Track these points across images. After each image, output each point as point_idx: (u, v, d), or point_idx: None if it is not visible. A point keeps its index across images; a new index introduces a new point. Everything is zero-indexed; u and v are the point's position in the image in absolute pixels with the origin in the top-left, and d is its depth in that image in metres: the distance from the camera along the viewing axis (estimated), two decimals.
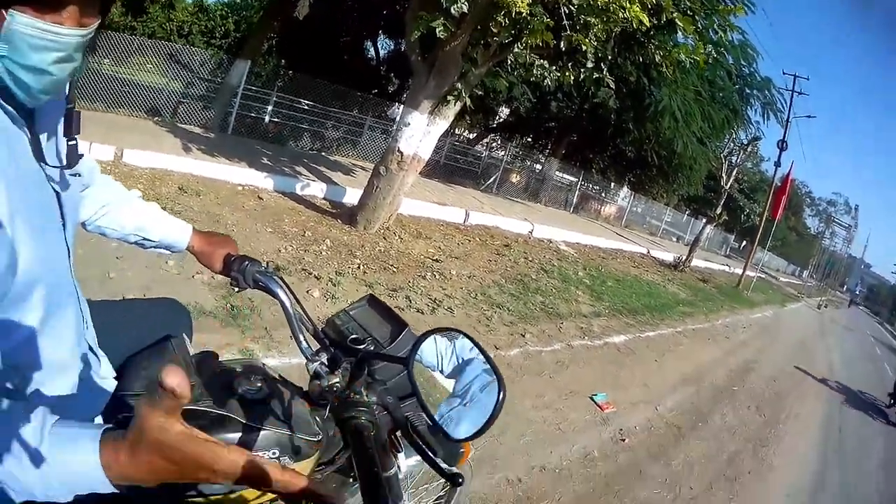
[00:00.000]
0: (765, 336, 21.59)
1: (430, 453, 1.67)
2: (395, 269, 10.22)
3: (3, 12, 1.25)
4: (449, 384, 1.88)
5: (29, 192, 1.40)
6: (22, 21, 1.26)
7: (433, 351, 1.93)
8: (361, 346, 1.92)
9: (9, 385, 1.41)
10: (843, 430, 12.65)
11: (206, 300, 6.61)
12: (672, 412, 8.80)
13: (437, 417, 1.65)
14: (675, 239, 48.31)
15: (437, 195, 18.40)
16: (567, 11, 9.62)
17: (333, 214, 12.51)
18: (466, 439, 1.62)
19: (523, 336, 9.30)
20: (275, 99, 20.69)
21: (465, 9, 9.55)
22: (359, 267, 9.69)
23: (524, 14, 9.19)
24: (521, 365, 8.18)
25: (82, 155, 1.68)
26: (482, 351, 1.81)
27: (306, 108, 21.44)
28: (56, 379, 1.55)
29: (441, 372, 1.95)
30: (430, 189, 19.02)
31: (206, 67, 20.55)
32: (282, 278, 2.19)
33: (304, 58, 24.55)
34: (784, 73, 45.81)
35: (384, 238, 11.98)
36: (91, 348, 1.80)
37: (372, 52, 29.40)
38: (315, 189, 13.98)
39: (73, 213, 1.68)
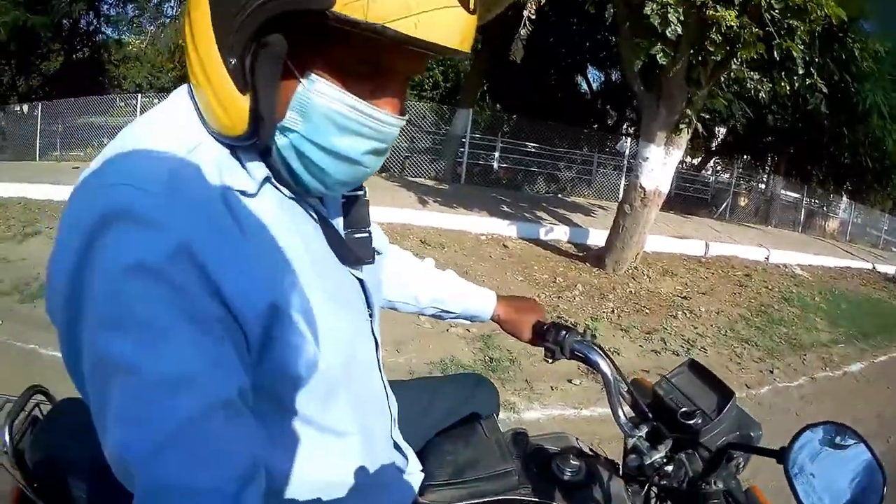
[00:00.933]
0: None
1: None
2: (647, 311, 10.23)
3: (297, 76, 1.08)
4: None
5: (332, 284, 1.28)
6: (334, 95, 1.09)
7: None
8: (692, 422, 1.71)
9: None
10: None
11: (464, 354, 6.79)
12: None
13: None
14: (894, 248, 46.17)
15: (674, 228, 18.36)
16: (771, 17, 9.61)
17: (580, 258, 12.58)
18: None
19: (772, 372, 9.20)
20: (500, 144, 20.95)
21: (680, 30, 9.63)
22: (612, 310, 9.75)
23: (734, 27, 9.26)
24: (771, 402, 8.14)
25: (377, 253, 1.49)
26: (870, 448, 1.59)
27: (533, 150, 21.56)
28: (368, 494, 1.44)
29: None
30: (667, 222, 18.88)
31: (428, 120, 21.00)
32: (600, 346, 1.96)
33: (519, 100, 24.77)
34: None
35: (633, 278, 11.99)
36: (397, 446, 1.68)
37: (584, 85, 29.24)
38: (558, 233, 14.04)
39: (378, 297, 1.56)
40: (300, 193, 1.23)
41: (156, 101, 22.38)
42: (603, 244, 12.56)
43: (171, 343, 0.95)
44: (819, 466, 1.57)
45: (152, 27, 26.33)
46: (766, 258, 18.91)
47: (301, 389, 1.20)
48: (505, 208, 14.73)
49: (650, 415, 1.80)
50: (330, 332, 1.21)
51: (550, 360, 2.02)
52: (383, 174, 16.89)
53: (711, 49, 10.06)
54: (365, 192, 1.45)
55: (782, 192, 31.81)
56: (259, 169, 1.14)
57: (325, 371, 1.21)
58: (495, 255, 11.41)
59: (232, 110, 1.05)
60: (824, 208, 35.77)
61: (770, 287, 14.67)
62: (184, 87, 1.19)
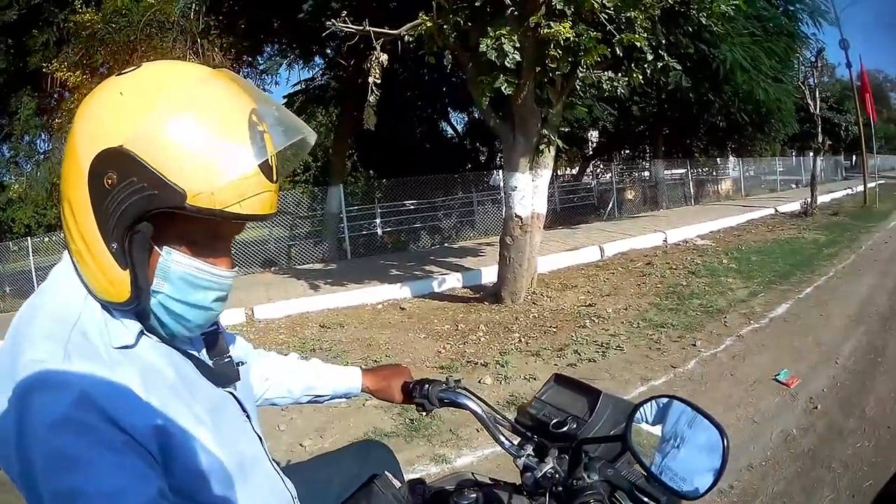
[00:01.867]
0: None
1: None
2: (554, 330, 10.26)
3: (157, 249, 1.41)
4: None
5: (208, 402, 1.58)
6: (185, 262, 1.44)
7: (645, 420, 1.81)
8: (564, 429, 1.98)
9: None
10: None
11: (384, 422, 6.77)
12: (851, 359, 8.64)
13: (667, 482, 1.64)
14: (794, 185, 46.75)
15: (566, 241, 18.53)
16: (606, 17, 9.77)
17: (478, 299, 12.66)
18: (701, 494, 1.59)
19: (694, 345, 9.31)
20: (379, 210, 21.18)
21: (519, 57, 9.74)
22: (520, 340, 9.77)
23: (572, 38, 9.42)
24: (702, 373, 8.22)
25: (240, 364, 1.84)
26: (697, 409, 1.74)
27: (412, 207, 21.77)
28: None
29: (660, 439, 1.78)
30: (557, 238, 19.14)
31: (303, 205, 21.26)
32: (465, 388, 2.29)
33: (388, 161, 25.11)
34: None
35: (534, 303, 12.03)
36: None
37: (450, 130, 29.72)
38: (451, 281, 14.14)
39: (251, 401, 1.88)
40: (169, 338, 1.54)
41: (45, 239, 22.64)
42: (496, 280, 12.69)
43: (100, 468, 1.23)
44: (661, 438, 1.74)
45: (28, 166, 27.81)
46: (665, 241, 19.30)
47: (206, 486, 1.47)
48: (395, 272, 14.87)
49: (530, 434, 2.06)
50: (215, 438, 1.51)
51: (425, 413, 2.37)
52: (273, 269, 16.99)
53: (554, 65, 10.25)
54: (218, 324, 1.82)
55: (665, 173, 32.66)
56: (134, 324, 1.46)
57: (221, 469, 1.51)
58: (394, 320, 11.41)
59: (117, 283, 1.38)
60: (714, 174, 37.04)
61: (674, 267, 15.02)
62: (65, 260, 1.51)
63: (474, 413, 2.19)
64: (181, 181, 1.30)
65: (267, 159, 1.39)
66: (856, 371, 8.19)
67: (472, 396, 2.23)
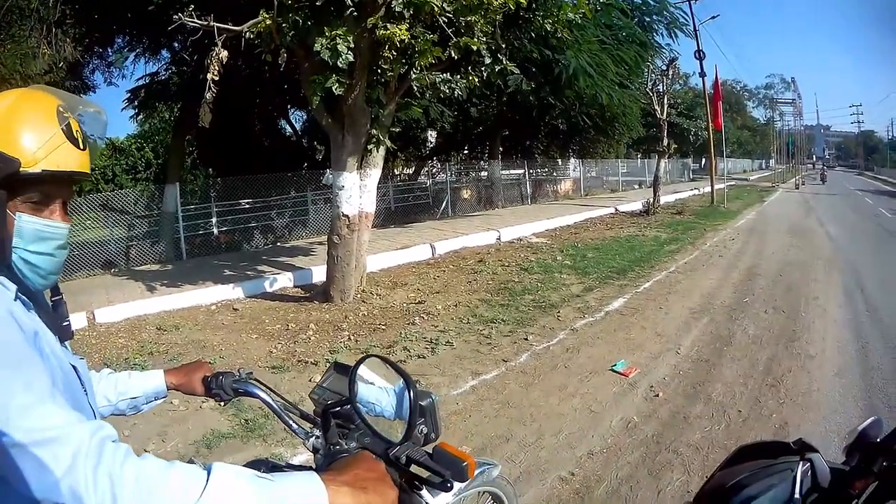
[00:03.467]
0: (756, 237, 21.89)
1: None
2: (383, 327, 10.26)
3: (13, 215, 1.74)
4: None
5: (60, 363, 1.77)
6: (31, 219, 1.77)
7: (369, 378, 2.11)
8: (337, 409, 2.15)
9: None
10: (866, 291, 12.86)
11: (221, 424, 6.64)
12: (695, 348, 8.91)
13: (380, 433, 1.90)
14: (637, 186, 48.67)
15: (398, 240, 18.51)
16: (445, 20, 9.79)
17: (308, 298, 12.55)
18: (397, 443, 1.84)
19: (526, 339, 9.36)
20: (215, 209, 20.65)
21: (352, 57, 9.70)
22: (349, 338, 9.71)
23: (407, 40, 9.42)
24: (535, 366, 8.22)
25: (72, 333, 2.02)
26: (387, 361, 2.05)
27: (247, 206, 21.36)
28: None
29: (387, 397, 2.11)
30: (389, 237, 19.16)
31: (140, 203, 20.52)
32: (257, 379, 2.46)
33: (227, 159, 24.29)
34: None
35: (363, 301, 12.03)
36: None
37: (289, 128, 29.27)
38: (283, 281, 13.99)
39: (89, 383, 2.04)
40: (33, 291, 1.83)
41: None
42: (325, 279, 12.65)
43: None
44: (374, 395, 2.10)
45: None
46: (498, 239, 19.58)
47: None
48: (228, 272, 14.67)
49: (316, 418, 2.26)
50: (69, 403, 1.55)
51: (223, 404, 2.58)
52: (113, 270, 16.36)
53: (387, 66, 10.35)
54: (61, 295, 2.04)
55: (503, 172, 33.11)
56: (11, 285, 1.72)
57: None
58: (227, 321, 11.20)
59: None
60: (553, 173, 37.81)
61: (507, 264, 15.30)
62: None
63: (265, 402, 2.41)
64: (15, 153, 1.69)
65: (72, 132, 1.82)
66: (700, 360, 8.42)
67: (262, 387, 2.47)
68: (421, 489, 1.92)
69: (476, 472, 2.43)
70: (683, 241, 19.82)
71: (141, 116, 26.66)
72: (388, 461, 1.82)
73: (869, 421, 2.02)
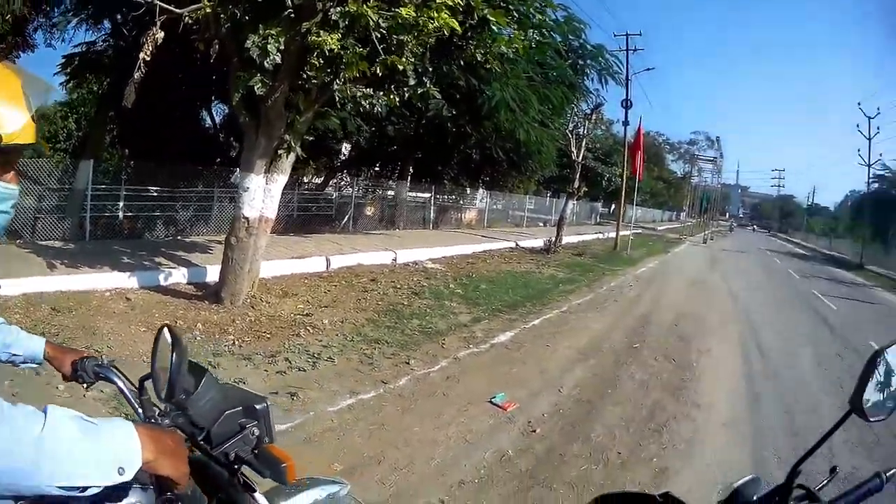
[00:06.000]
0: (654, 286, 22.38)
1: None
2: (268, 336, 10.24)
3: None
4: None
5: None
6: None
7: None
8: (173, 399, 2.07)
9: None
10: (763, 348, 13.36)
11: (100, 413, 6.29)
12: (577, 388, 9.09)
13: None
14: (541, 224, 49.15)
15: (295, 249, 18.44)
16: (378, 36, 9.87)
17: (200, 297, 12.46)
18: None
19: (408, 363, 9.45)
20: (124, 193, 20.22)
21: (279, 59, 9.82)
22: (234, 342, 9.68)
23: (336, 50, 9.50)
24: (413, 391, 8.31)
25: None
26: (171, 330, 2.16)
27: (155, 194, 21.03)
28: None
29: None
30: (286, 245, 19.04)
31: (54, 176, 19.71)
32: (116, 367, 2.56)
33: (145, 142, 23.46)
34: (615, 35, 44.65)
35: (252, 307, 11.98)
36: None
37: (209, 120, 28.66)
38: (178, 276, 13.81)
39: None
40: None
41: None
42: (218, 280, 12.56)
43: None
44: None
45: None
46: (394, 260, 19.60)
47: None
48: (126, 260, 14.35)
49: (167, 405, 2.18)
50: None
51: (86, 386, 2.61)
52: (18, 241, 15.86)
53: (312, 73, 10.37)
54: None
55: (409, 194, 33.07)
56: None
57: None
58: (119, 310, 11.02)
59: None
60: (460, 201, 37.81)
61: (398, 286, 15.36)
62: None
63: (120, 390, 2.45)
64: None
65: (31, 107, 1.89)
66: (582, 400, 8.59)
67: (121, 375, 2.50)
68: (255, 491, 1.99)
69: (325, 491, 2.70)
70: (580, 283, 20.12)
71: (70, 84, 25.98)
72: (196, 444, 1.97)
73: (746, 479, 1.95)
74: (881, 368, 1.75)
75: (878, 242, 60.46)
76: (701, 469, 6.79)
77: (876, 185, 62.15)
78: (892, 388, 1.78)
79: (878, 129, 58.08)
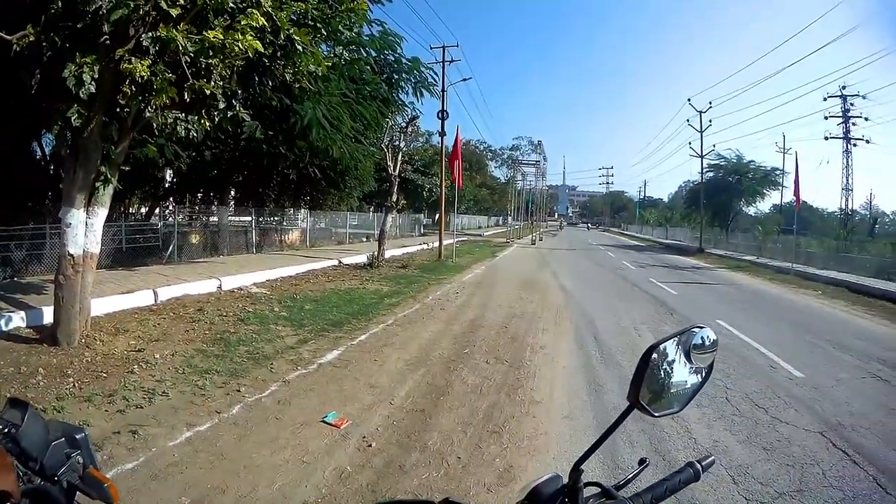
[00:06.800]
0: (482, 290, 22.82)
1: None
2: (105, 375, 9.97)
3: None
4: None
5: None
6: None
7: None
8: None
9: None
10: (600, 339, 13.96)
11: None
12: (409, 399, 9.27)
13: None
14: (365, 239, 49.13)
15: (124, 284, 17.93)
16: (188, 60, 9.88)
17: (38, 340, 11.93)
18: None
19: (239, 391, 9.46)
20: None
21: (94, 89, 9.73)
22: (74, 385, 9.40)
23: (147, 77, 9.48)
24: (247, 418, 8.34)
25: None
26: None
27: None
28: None
29: None
30: (115, 280, 18.62)
31: None
32: None
33: None
34: (431, 48, 46.55)
35: (87, 347, 11.59)
36: None
37: (39, 151, 27.58)
38: (16, 320, 13.04)
39: None
40: None
41: None
42: (53, 321, 12.06)
43: None
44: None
45: None
46: (219, 288, 19.48)
47: None
48: None
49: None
50: None
51: None
52: None
53: (124, 102, 10.37)
54: None
55: (232, 219, 32.84)
56: None
57: None
58: None
59: None
60: (283, 223, 37.54)
61: (224, 314, 15.32)
62: None
63: None
64: None
65: None
66: (415, 410, 8.79)
67: None
68: None
69: None
70: (405, 295, 20.42)
71: None
72: (35, 473, 1.91)
73: (546, 477, 1.87)
74: (658, 364, 1.84)
75: (717, 226, 63.82)
76: (548, 462, 7.07)
77: (710, 174, 65.13)
78: (669, 382, 1.88)
79: (710, 121, 61.35)
